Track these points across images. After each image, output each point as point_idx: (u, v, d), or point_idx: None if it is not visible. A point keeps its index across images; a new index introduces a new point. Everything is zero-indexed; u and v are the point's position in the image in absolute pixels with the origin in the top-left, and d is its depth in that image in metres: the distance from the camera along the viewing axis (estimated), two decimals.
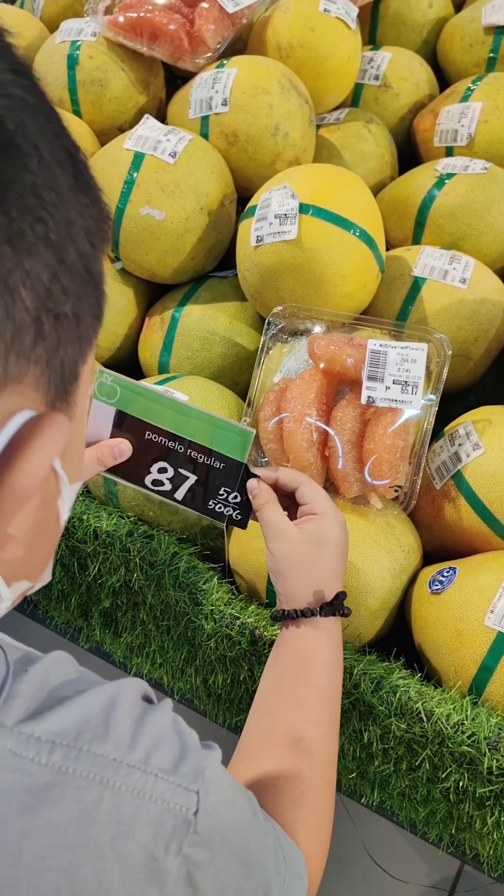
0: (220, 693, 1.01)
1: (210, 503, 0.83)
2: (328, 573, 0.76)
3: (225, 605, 0.92)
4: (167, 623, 1.00)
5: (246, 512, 0.82)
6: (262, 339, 1.03)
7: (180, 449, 0.82)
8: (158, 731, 0.49)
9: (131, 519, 1.00)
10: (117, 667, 1.16)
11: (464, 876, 1.46)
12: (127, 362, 1.29)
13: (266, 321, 1.04)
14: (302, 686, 0.73)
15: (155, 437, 0.82)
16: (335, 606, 0.74)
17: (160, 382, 1.06)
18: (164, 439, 0.82)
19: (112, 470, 0.83)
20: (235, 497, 0.81)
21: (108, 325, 1.23)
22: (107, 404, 0.82)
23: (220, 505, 0.83)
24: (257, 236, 1.06)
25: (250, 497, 0.80)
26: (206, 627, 0.93)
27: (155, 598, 0.98)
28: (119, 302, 1.24)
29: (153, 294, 1.29)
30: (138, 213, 1.12)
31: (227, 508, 0.82)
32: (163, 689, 1.11)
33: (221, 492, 0.82)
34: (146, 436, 0.82)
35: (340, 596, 0.75)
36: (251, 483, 0.80)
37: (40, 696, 0.46)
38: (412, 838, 1.61)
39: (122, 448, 0.82)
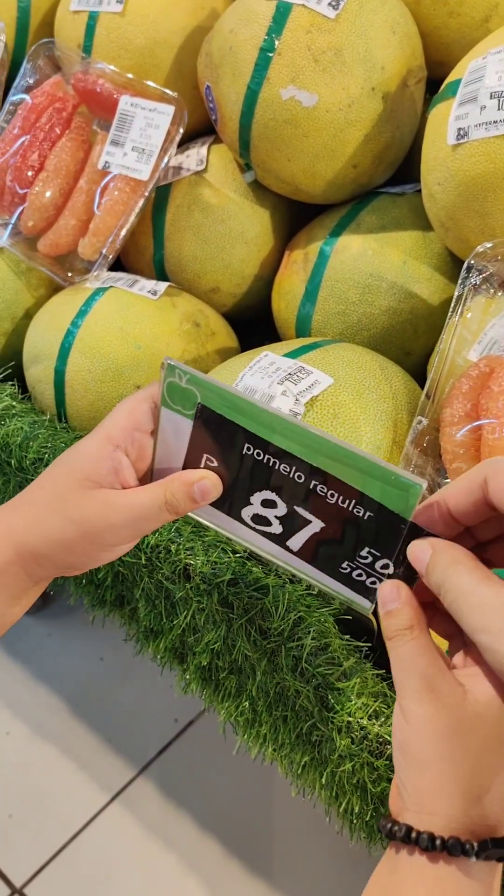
0: (352, 819, 0.69)
1: (345, 566, 0.48)
2: None
3: (370, 718, 0.59)
4: (284, 712, 0.68)
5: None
6: (456, 291, 0.66)
7: (300, 478, 0.47)
8: None
9: (239, 556, 0.68)
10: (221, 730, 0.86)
11: None
12: (257, 313, 0.95)
13: (465, 264, 0.66)
14: None
15: (259, 455, 0.48)
16: None
17: (292, 354, 0.71)
18: (272, 458, 0.48)
19: None
20: (386, 566, 0.46)
21: (233, 261, 0.89)
22: (182, 416, 0.49)
23: (359, 571, 0.48)
24: (459, 129, 0.67)
25: (381, 608, 0.44)
26: (339, 743, 0.60)
27: (267, 677, 0.67)
28: (249, 229, 0.89)
29: (297, 218, 0.93)
30: (279, 96, 0.76)
31: (372, 578, 0.48)
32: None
33: (365, 553, 0.47)
34: (245, 450, 0.48)
35: None
36: (415, 547, 0.44)
37: None
38: None
39: (206, 486, 0.49)
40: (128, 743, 1.30)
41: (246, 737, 0.77)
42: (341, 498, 0.46)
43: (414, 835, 0.39)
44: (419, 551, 0.43)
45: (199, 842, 1.18)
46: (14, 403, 0.84)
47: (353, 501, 0.46)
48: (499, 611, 0.36)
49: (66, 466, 0.51)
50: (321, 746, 0.65)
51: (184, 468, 0.50)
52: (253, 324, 0.95)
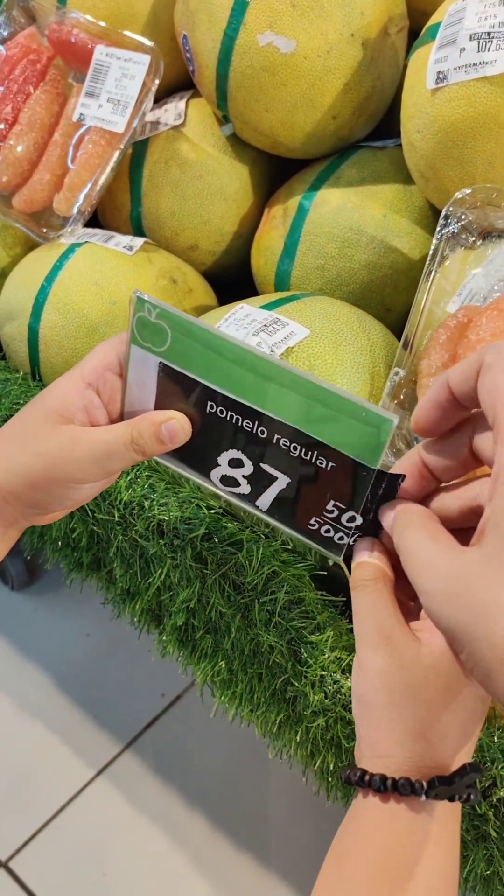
0: (328, 778, 0.68)
1: (312, 522, 0.47)
2: (457, 724, 0.40)
3: (344, 672, 0.58)
4: (258, 670, 0.67)
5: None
6: (433, 240, 0.65)
7: (262, 433, 0.46)
8: None
9: (214, 511, 0.67)
10: (199, 693, 0.85)
11: None
12: (238, 273, 0.93)
13: (443, 212, 0.65)
14: None
15: (222, 412, 0.47)
16: (456, 786, 0.39)
17: (269, 306, 0.69)
18: (237, 416, 0.46)
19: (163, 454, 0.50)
20: (352, 519, 0.45)
21: (212, 217, 0.87)
22: (151, 353, 0.47)
23: (327, 527, 0.47)
24: (438, 73, 0.65)
25: (354, 559, 0.44)
26: (312, 699, 0.59)
27: (241, 633, 0.66)
28: (228, 185, 0.87)
29: (278, 175, 0.91)
30: (256, 42, 0.74)
31: (340, 534, 0.46)
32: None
33: (331, 507, 0.46)
34: (208, 408, 0.47)
35: (468, 771, 0.39)
36: (382, 514, 0.43)
37: None
38: None
39: (174, 427, 0.48)
40: (114, 718, 1.29)
41: (223, 698, 0.76)
42: (304, 450, 0.45)
43: (367, 777, 0.39)
44: (385, 518, 0.43)
45: (186, 816, 1.17)
46: None
47: (316, 452, 0.44)
48: (433, 571, 0.36)
49: (38, 403, 0.50)
50: (295, 703, 0.64)
51: (154, 409, 0.49)
52: (234, 285, 0.94)
